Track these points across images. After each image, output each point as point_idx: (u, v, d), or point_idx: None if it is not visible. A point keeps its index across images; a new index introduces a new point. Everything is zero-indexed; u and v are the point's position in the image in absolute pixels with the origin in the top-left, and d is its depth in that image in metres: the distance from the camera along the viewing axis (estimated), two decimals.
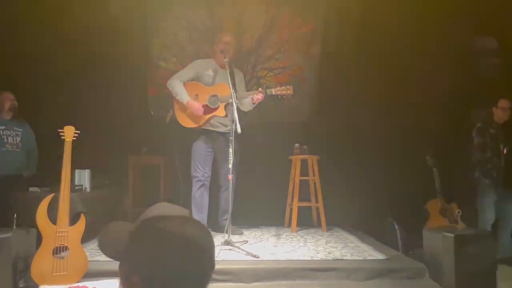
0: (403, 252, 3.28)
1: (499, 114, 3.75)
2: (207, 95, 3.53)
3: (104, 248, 0.87)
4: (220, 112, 3.51)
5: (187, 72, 3.69)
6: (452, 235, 2.62)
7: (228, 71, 3.33)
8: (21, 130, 3.93)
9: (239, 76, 3.78)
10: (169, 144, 4.50)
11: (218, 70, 3.66)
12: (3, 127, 3.83)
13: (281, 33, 4.92)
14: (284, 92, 3.48)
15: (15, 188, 3.70)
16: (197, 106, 3.51)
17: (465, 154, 3.89)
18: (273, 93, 3.49)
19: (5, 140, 3.81)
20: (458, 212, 3.05)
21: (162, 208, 0.86)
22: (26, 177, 3.92)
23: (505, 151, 3.70)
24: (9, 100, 3.88)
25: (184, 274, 0.76)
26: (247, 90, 3.84)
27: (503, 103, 3.75)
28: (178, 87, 3.56)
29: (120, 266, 0.83)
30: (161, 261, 0.76)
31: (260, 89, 3.47)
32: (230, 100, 3.20)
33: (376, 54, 4.64)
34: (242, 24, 4.88)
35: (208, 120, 3.57)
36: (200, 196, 3.54)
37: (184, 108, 3.59)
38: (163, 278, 0.75)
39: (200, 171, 3.57)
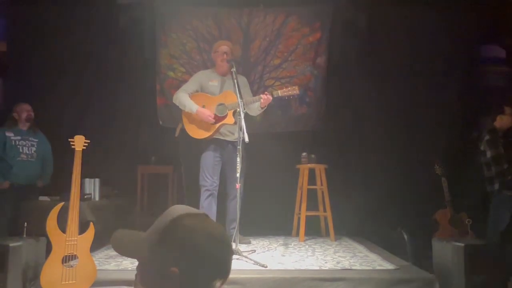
0: (412, 262, 3.24)
1: (506, 121, 3.70)
2: (214, 105, 3.54)
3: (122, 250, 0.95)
4: (229, 119, 3.51)
5: (191, 84, 3.70)
6: (462, 245, 2.59)
7: (233, 79, 3.34)
8: (36, 140, 4.00)
9: (242, 80, 3.77)
10: (177, 154, 4.54)
11: (221, 79, 3.68)
12: (19, 137, 3.91)
13: (288, 42, 4.95)
14: (290, 92, 3.47)
15: (27, 197, 3.75)
16: (207, 113, 3.51)
17: (474, 163, 3.84)
18: (280, 95, 3.49)
19: (21, 150, 3.88)
20: (468, 221, 3.01)
21: (180, 209, 0.96)
22: (39, 186, 3.97)
23: None
24: (26, 111, 3.97)
25: (210, 262, 0.91)
26: None
27: (509, 109, 3.71)
28: (184, 99, 3.57)
29: (146, 266, 0.92)
30: (193, 254, 0.88)
31: (266, 92, 3.48)
32: (238, 109, 3.20)
33: (382, 64, 4.65)
34: (249, 34, 4.92)
35: (218, 129, 3.57)
36: (208, 206, 3.54)
37: (192, 119, 3.59)
38: (194, 267, 0.88)
39: (209, 180, 3.57)
